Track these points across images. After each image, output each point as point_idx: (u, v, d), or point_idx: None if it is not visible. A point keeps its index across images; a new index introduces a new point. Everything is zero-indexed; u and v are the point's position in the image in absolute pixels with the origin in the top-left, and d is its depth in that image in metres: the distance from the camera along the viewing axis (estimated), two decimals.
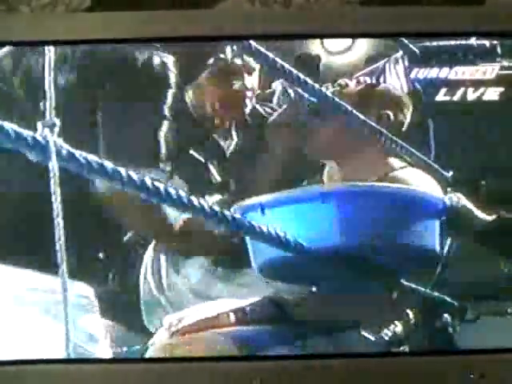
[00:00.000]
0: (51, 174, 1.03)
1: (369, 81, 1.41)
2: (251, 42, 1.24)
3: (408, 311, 1.36)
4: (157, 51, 1.36)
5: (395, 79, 1.44)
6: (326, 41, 1.39)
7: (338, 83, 1.39)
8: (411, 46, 1.41)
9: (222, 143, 1.45)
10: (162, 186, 1.10)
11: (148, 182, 1.08)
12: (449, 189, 1.36)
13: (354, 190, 1.30)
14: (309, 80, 1.30)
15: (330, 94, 1.35)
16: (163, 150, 1.37)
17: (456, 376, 1.21)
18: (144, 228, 1.43)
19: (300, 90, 1.35)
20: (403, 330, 1.35)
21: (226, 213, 1.20)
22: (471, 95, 1.40)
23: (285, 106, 1.44)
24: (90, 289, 1.34)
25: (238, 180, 1.43)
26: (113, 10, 1.31)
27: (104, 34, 1.21)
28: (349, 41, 1.37)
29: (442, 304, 1.36)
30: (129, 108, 1.34)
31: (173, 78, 1.38)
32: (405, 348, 1.34)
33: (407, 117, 1.41)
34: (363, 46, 1.39)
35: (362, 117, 1.35)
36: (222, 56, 1.39)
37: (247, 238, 1.32)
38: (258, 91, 1.45)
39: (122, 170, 1.05)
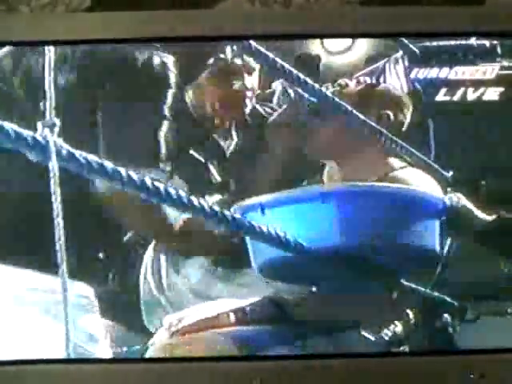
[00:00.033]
0: (51, 174, 1.03)
1: (369, 81, 1.41)
2: (251, 42, 1.24)
3: (408, 311, 1.36)
4: (157, 51, 1.36)
5: (395, 79, 1.44)
6: (325, 41, 1.39)
7: (338, 83, 1.39)
8: (411, 46, 1.41)
9: (222, 143, 1.45)
10: (161, 186, 1.10)
11: (148, 181, 1.08)
12: (449, 189, 1.36)
13: (354, 190, 1.30)
14: (309, 80, 1.30)
15: (330, 94, 1.35)
16: (163, 150, 1.37)
17: (456, 376, 1.21)
18: (144, 228, 1.43)
19: (300, 90, 1.35)
20: (403, 329, 1.35)
21: (226, 213, 1.20)
22: (471, 95, 1.40)
23: (285, 106, 1.44)
24: (90, 289, 1.34)
25: (237, 180, 1.43)
26: (113, 10, 1.31)
27: (104, 34, 1.21)
28: (349, 41, 1.37)
29: (441, 304, 1.36)
30: (129, 108, 1.34)
31: (173, 78, 1.38)
32: (405, 348, 1.34)
33: (407, 117, 1.41)
34: (363, 46, 1.39)
35: (362, 117, 1.35)
36: (221, 56, 1.39)
37: (247, 238, 1.32)
38: (258, 91, 1.45)
39: (122, 170, 1.04)
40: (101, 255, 1.39)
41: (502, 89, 1.39)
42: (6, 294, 1.29)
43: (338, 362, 1.22)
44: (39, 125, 1.00)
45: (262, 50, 1.25)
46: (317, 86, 1.32)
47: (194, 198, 1.15)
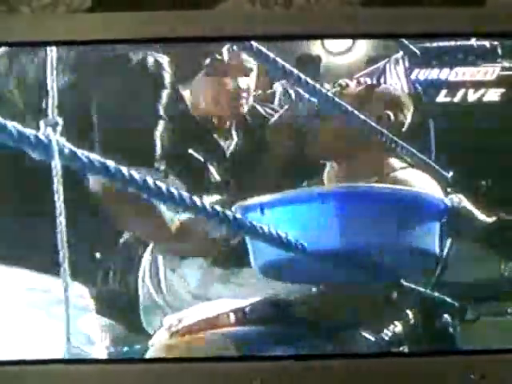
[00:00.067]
0: (53, 173, 1.03)
1: (369, 81, 1.41)
2: (252, 42, 1.24)
3: (408, 311, 1.36)
4: (157, 51, 1.36)
5: (396, 80, 1.44)
6: (326, 41, 1.39)
7: (339, 84, 1.39)
8: (412, 46, 1.41)
9: (222, 143, 1.45)
10: (163, 186, 1.10)
11: (150, 181, 1.08)
12: (449, 189, 1.36)
13: (354, 191, 1.31)
14: (309, 80, 1.30)
15: (330, 95, 1.35)
16: (163, 150, 1.37)
17: (456, 376, 1.21)
18: (142, 229, 1.43)
19: (301, 91, 1.35)
20: (403, 330, 1.35)
21: (228, 213, 1.20)
22: (472, 96, 1.41)
23: (286, 107, 1.44)
24: (89, 290, 1.34)
25: (238, 180, 1.43)
26: (113, 11, 1.31)
27: (105, 35, 1.21)
28: (349, 41, 1.37)
29: (442, 304, 1.36)
30: (129, 108, 1.34)
31: (173, 78, 1.38)
32: (405, 348, 1.34)
33: (408, 117, 1.41)
34: (364, 47, 1.39)
35: (362, 117, 1.35)
36: (220, 56, 1.39)
37: (247, 238, 1.32)
38: (259, 92, 1.45)
39: (124, 170, 1.04)
40: (99, 256, 1.39)
41: (502, 90, 1.40)
42: (5, 294, 1.29)
43: (338, 363, 1.22)
44: (42, 124, 1.00)
45: (263, 50, 1.25)
46: (317, 86, 1.32)
47: (195, 198, 1.15)
